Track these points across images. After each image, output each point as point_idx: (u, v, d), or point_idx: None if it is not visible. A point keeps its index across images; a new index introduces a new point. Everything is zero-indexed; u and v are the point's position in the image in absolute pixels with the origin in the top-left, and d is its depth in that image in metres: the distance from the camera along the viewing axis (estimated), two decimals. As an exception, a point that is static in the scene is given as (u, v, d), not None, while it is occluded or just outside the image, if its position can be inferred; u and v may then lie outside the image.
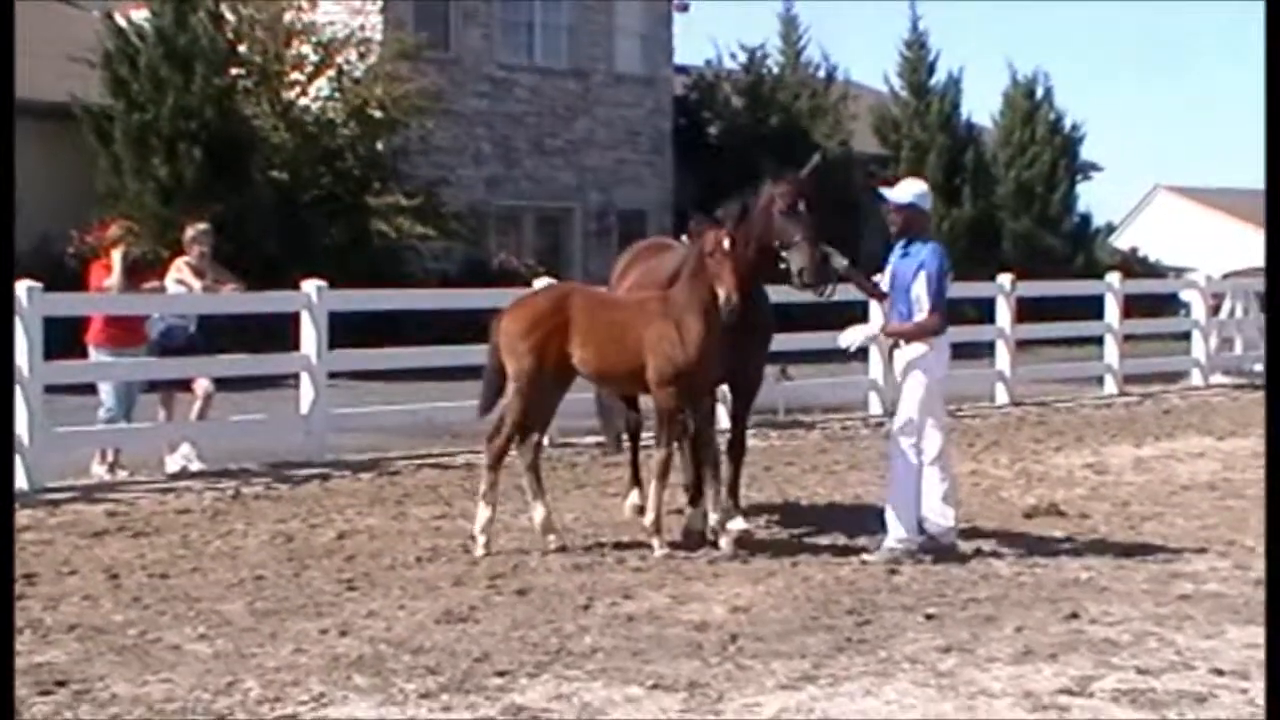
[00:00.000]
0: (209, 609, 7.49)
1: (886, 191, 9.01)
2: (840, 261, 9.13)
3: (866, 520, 9.93)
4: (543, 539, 9.02)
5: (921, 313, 8.65)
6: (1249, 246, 52.13)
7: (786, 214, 9.05)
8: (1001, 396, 17.80)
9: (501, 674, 6.32)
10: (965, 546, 8.87)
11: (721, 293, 8.45)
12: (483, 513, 8.99)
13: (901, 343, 8.81)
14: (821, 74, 34.04)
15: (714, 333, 8.64)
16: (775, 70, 33.74)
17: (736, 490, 9.46)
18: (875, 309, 11.83)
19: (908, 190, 8.93)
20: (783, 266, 9.12)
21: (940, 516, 8.74)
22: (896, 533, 8.69)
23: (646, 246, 10.96)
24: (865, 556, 8.67)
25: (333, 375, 13.64)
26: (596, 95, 30.34)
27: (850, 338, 9.10)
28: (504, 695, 6.05)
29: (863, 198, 29.70)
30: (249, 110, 24.03)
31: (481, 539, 8.92)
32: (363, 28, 25.68)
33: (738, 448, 9.49)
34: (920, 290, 8.62)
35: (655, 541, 8.78)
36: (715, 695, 6.04)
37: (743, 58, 33.67)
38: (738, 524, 9.08)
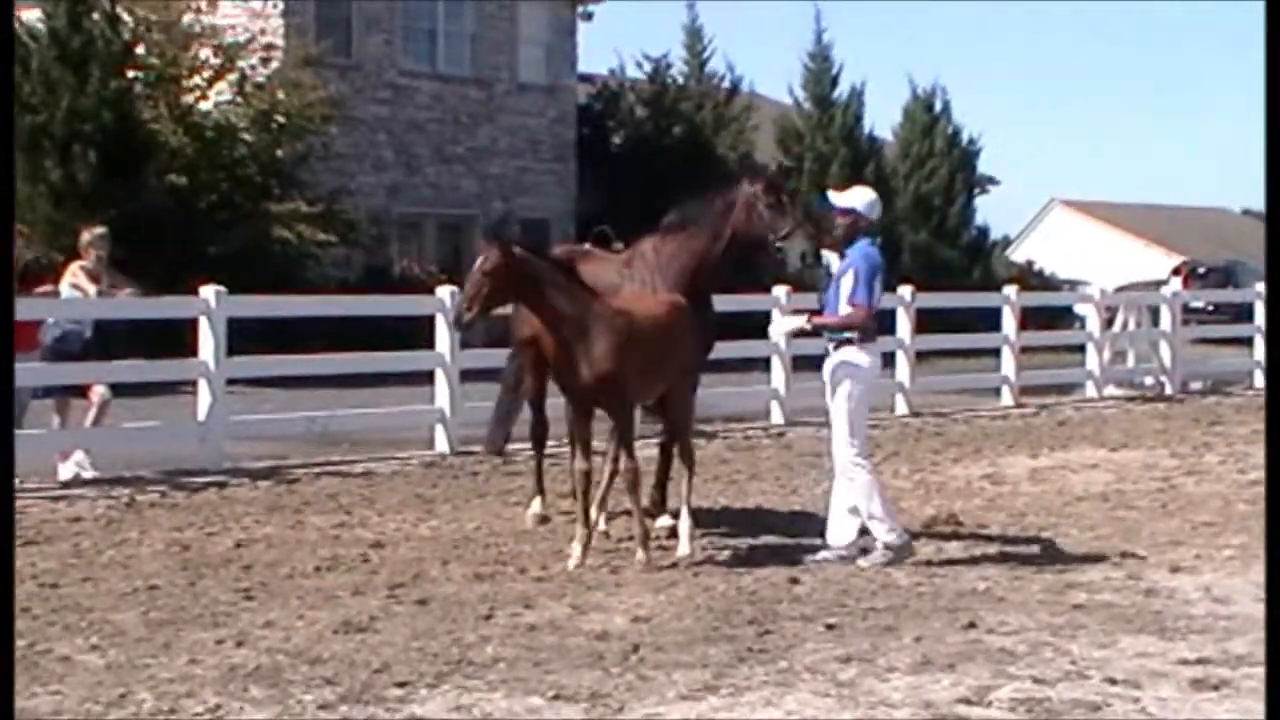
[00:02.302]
0: (101, 619, 7.36)
1: (831, 195, 9.21)
2: (835, 259, 9.33)
3: (767, 529, 10.00)
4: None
5: (848, 309, 8.76)
6: (1141, 260, 53.19)
7: (774, 208, 9.61)
8: (901, 407, 17.98)
9: (401, 685, 6.26)
10: (863, 561, 8.92)
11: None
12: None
13: (830, 348, 8.86)
14: (725, 84, 34.25)
15: (601, 343, 8.54)
16: (679, 80, 33.89)
17: (665, 486, 9.93)
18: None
19: (851, 196, 9.07)
20: (779, 255, 9.74)
21: (845, 526, 8.85)
22: (885, 538, 8.78)
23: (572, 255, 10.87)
24: (860, 562, 8.71)
25: (231, 382, 13.46)
26: (499, 103, 30.28)
27: (779, 328, 9.17)
28: (404, 706, 6.00)
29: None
30: (146, 114, 23.67)
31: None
32: (263, 32, 25.40)
33: (670, 447, 9.80)
34: (847, 290, 8.74)
35: (575, 547, 8.73)
36: (617, 705, 6.02)
37: (646, 67, 33.81)
38: (663, 521, 9.57)
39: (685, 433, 9.33)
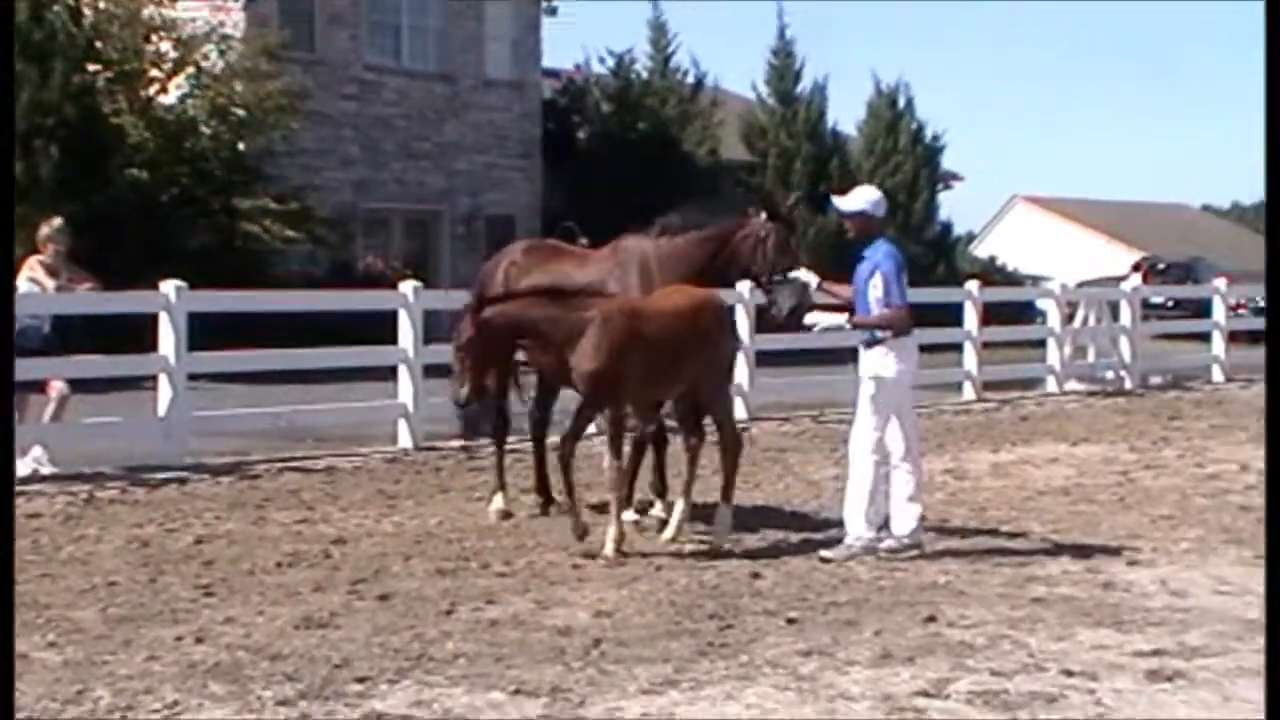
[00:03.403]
0: (59, 616, 7.32)
1: (836, 200, 9.32)
2: (812, 280, 9.50)
3: (734, 524, 10.01)
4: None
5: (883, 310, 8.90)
6: (1102, 256, 53.51)
7: (780, 250, 9.63)
8: (864, 402, 18.00)
9: (361, 680, 6.25)
10: (827, 552, 8.97)
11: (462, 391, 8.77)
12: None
13: (862, 348, 9.06)
14: (690, 80, 34.27)
15: (590, 347, 8.73)
16: (644, 76, 33.89)
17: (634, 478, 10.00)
18: None
19: (857, 198, 9.18)
20: (768, 297, 9.75)
21: (906, 515, 8.96)
22: (855, 530, 8.89)
23: (544, 250, 10.79)
24: (823, 553, 8.86)
25: (193, 377, 13.40)
26: (465, 99, 30.21)
27: (818, 318, 9.28)
28: (364, 702, 5.99)
29: (732, 204, 30.01)
30: (108, 108, 23.53)
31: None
32: (223, 24, 25.27)
33: (645, 443, 10.05)
34: (879, 291, 8.88)
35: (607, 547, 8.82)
36: (577, 700, 6.04)
37: (611, 63, 33.79)
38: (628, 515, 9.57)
39: (724, 425, 9.31)
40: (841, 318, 9.22)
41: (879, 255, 8.97)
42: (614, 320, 8.75)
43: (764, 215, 9.84)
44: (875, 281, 8.92)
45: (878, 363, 8.97)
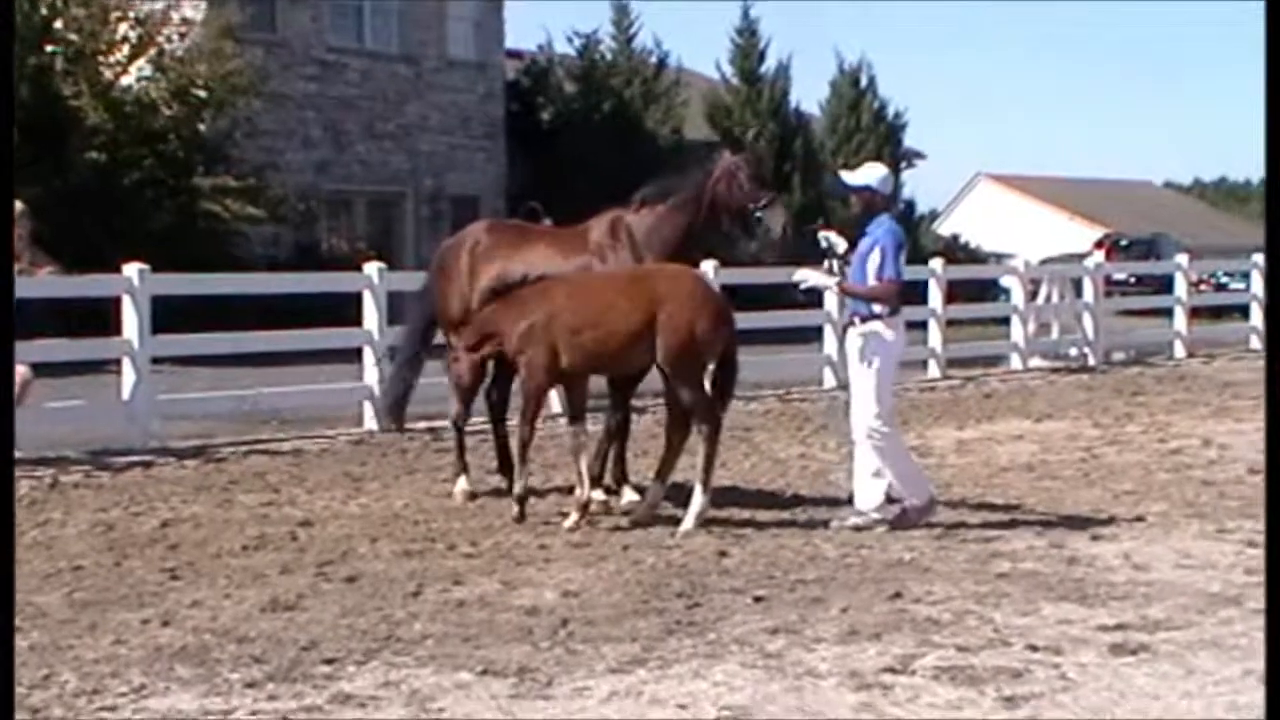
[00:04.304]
0: (24, 601, 7.28)
1: (845, 175, 9.42)
2: (840, 244, 9.49)
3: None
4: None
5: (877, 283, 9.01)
6: (1064, 233, 53.77)
7: (755, 179, 9.82)
8: (830, 380, 18.09)
9: (329, 662, 6.25)
10: (794, 530, 9.01)
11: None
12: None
13: (857, 320, 9.13)
14: (654, 60, 34.24)
15: (523, 325, 9.17)
16: (608, 56, 33.83)
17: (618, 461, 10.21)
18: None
19: (865, 174, 9.28)
20: (755, 228, 9.89)
21: (872, 491, 9.08)
22: (915, 500, 9.07)
23: (507, 230, 10.78)
24: (884, 518, 9.02)
25: (157, 360, 13.34)
26: (428, 80, 30.11)
27: (806, 274, 9.36)
28: (331, 683, 5.99)
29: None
30: (66, 90, 23.33)
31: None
32: (181, 5, 25.08)
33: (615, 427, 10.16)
34: (875, 266, 8.97)
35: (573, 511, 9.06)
36: (545, 680, 6.05)
37: (576, 43, 33.74)
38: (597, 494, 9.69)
39: (689, 405, 9.17)
40: (831, 280, 9.32)
41: (880, 231, 9.08)
42: (528, 303, 9.04)
43: (727, 152, 10.00)
44: (874, 256, 9.02)
45: (872, 335, 9.05)
